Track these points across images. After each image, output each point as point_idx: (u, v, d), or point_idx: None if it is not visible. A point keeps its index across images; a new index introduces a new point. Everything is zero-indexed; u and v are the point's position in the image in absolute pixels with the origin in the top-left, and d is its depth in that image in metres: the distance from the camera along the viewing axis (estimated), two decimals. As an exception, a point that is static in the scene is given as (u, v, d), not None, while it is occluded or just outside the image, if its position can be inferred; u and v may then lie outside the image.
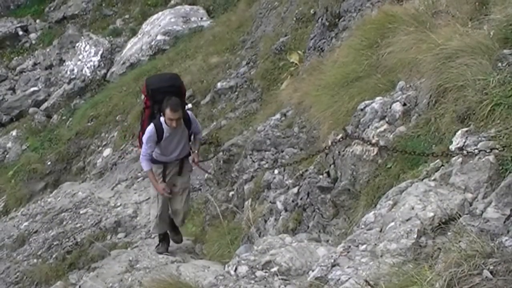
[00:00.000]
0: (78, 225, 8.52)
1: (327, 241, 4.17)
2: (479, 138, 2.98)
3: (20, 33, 15.52)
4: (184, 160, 6.02)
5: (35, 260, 8.21)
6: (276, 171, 6.07)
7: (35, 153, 11.76)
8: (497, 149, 2.78)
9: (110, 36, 14.48)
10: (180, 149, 5.92)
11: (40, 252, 8.31)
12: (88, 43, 14.08)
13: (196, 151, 6.10)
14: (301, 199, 5.03)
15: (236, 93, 9.74)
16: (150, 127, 5.74)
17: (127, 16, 15.20)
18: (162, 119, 5.70)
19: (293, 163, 5.82)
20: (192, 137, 6.07)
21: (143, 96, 6.17)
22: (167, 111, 5.54)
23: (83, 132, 11.61)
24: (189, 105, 6.40)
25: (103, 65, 13.68)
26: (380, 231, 2.77)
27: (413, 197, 2.78)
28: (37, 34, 15.58)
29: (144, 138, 5.78)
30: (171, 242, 6.31)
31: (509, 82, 3.13)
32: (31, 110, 13.54)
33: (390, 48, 4.61)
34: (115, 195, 9.21)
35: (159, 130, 5.72)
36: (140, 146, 6.15)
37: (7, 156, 12.38)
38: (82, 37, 14.37)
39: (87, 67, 13.65)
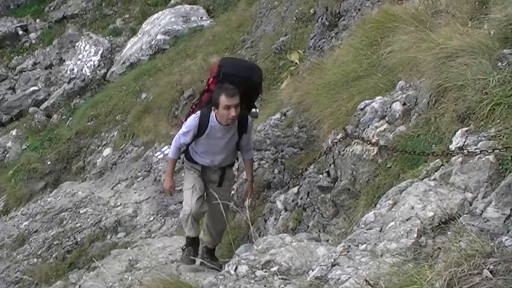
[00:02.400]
0: (78, 224, 8.52)
1: (327, 240, 4.17)
2: (479, 138, 2.98)
3: (20, 32, 15.51)
4: (226, 169, 5.16)
5: (35, 260, 8.21)
6: (276, 171, 6.07)
7: (35, 152, 11.76)
8: (498, 148, 2.78)
9: (110, 36, 14.48)
10: (224, 155, 5.03)
11: (40, 251, 8.31)
12: (88, 43, 14.07)
13: (250, 181, 5.28)
14: (301, 198, 5.04)
15: (236, 92, 9.73)
16: (195, 116, 4.87)
17: (127, 16, 15.19)
18: (212, 113, 4.80)
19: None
20: (242, 156, 5.25)
21: (208, 77, 5.14)
22: (222, 98, 4.63)
23: (83, 131, 11.60)
24: (257, 110, 5.35)
25: (103, 65, 13.68)
26: (380, 230, 2.77)
27: (413, 197, 2.78)
28: (37, 34, 15.57)
29: (185, 124, 4.95)
30: (170, 243, 6.29)
31: (509, 82, 3.13)
32: (31, 109, 13.54)
33: (390, 48, 4.60)
34: (115, 195, 9.21)
35: (202, 122, 4.85)
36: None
37: (7, 155, 12.38)
38: (82, 37, 14.36)
39: (87, 67, 13.65)
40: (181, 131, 4.99)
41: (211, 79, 4.95)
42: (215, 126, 4.84)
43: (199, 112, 4.89)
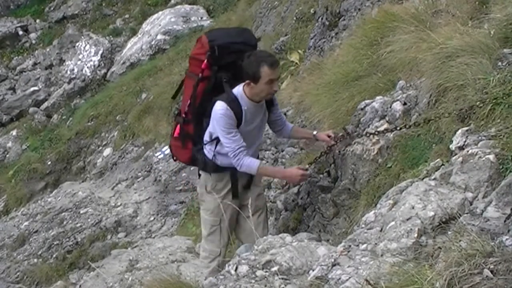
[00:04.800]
0: (78, 224, 8.52)
1: (328, 240, 4.17)
2: (480, 137, 2.98)
3: (20, 33, 15.51)
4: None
5: (35, 260, 8.21)
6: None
7: (35, 152, 11.76)
8: (497, 148, 2.78)
9: (110, 36, 14.48)
10: (257, 145, 4.25)
11: (41, 251, 8.31)
12: (88, 43, 14.07)
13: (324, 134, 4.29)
14: (301, 198, 5.03)
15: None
16: (220, 107, 3.90)
17: (127, 16, 15.19)
18: (237, 90, 3.98)
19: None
20: (283, 133, 4.47)
21: (195, 60, 4.14)
22: (265, 70, 3.82)
23: (83, 131, 11.61)
24: None
25: (103, 65, 13.68)
26: (381, 230, 2.77)
27: (413, 197, 2.77)
28: (37, 34, 15.57)
29: (218, 125, 3.92)
30: (170, 243, 6.28)
31: (509, 81, 3.13)
32: (31, 109, 13.54)
33: (390, 47, 4.60)
34: (115, 195, 9.21)
35: (236, 110, 3.93)
36: (176, 151, 4.37)
37: (7, 156, 12.38)
38: (82, 37, 14.36)
39: (87, 67, 13.65)
40: (225, 138, 3.94)
41: (205, 61, 4.04)
42: (249, 108, 4.01)
43: (219, 102, 3.94)
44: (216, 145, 4.12)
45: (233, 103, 3.97)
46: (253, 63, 3.91)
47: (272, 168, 4.38)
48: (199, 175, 4.42)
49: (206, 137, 4.17)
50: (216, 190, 4.21)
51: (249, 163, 4.02)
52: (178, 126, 4.31)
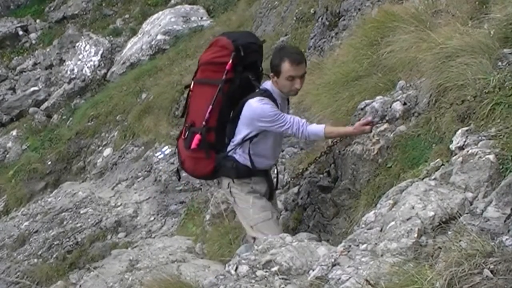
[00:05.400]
0: (79, 224, 8.52)
1: (328, 240, 4.17)
2: (480, 137, 2.98)
3: (20, 33, 15.51)
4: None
5: (35, 260, 8.21)
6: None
7: (35, 153, 11.76)
8: (497, 148, 2.78)
9: (110, 36, 14.48)
10: (280, 148, 4.29)
11: (41, 251, 8.31)
12: (88, 43, 14.07)
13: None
14: (301, 198, 5.03)
15: (237, 92, 9.74)
16: (257, 99, 3.84)
17: (127, 16, 15.19)
18: (268, 85, 3.97)
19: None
20: None
21: (213, 64, 4.02)
22: (286, 66, 3.82)
23: (84, 131, 11.61)
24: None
25: (103, 65, 13.68)
26: (381, 230, 2.77)
27: (413, 197, 2.77)
28: (37, 34, 15.57)
29: (263, 115, 3.83)
30: (170, 243, 6.28)
31: (509, 81, 3.13)
32: (31, 110, 13.55)
33: (390, 47, 4.60)
34: (116, 195, 9.21)
35: (272, 99, 3.92)
36: (193, 165, 4.20)
37: (7, 156, 12.38)
38: (82, 37, 14.37)
39: (87, 67, 13.65)
40: (276, 122, 3.85)
41: (230, 62, 3.93)
42: (280, 101, 3.99)
43: (258, 97, 3.86)
44: (250, 145, 4.04)
45: (268, 96, 3.94)
46: (277, 57, 3.93)
47: (337, 129, 4.08)
48: (228, 186, 4.23)
49: (237, 140, 4.06)
50: (255, 190, 4.16)
51: (315, 131, 3.94)
52: (196, 137, 4.10)
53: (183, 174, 4.69)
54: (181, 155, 4.30)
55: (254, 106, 3.90)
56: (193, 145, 4.12)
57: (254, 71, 4.05)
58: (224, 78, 3.97)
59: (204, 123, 4.08)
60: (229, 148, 4.10)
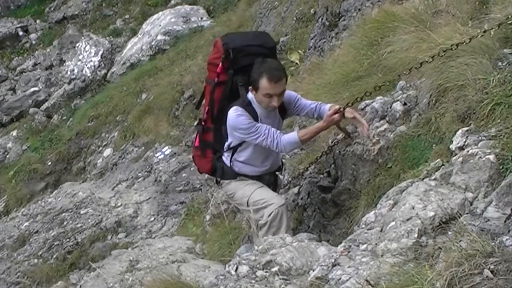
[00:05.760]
0: (79, 225, 8.53)
1: (328, 240, 4.17)
2: (480, 138, 2.98)
3: (20, 33, 15.53)
4: (277, 176, 4.39)
5: (35, 260, 8.22)
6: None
7: (35, 153, 11.78)
8: (498, 148, 2.78)
9: (110, 36, 14.50)
10: (274, 154, 4.14)
11: (41, 252, 8.32)
12: (88, 43, 14.08)
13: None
14: (301, 199, 5.03)
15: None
16: (234, 110, 3.82)
17: (127, 16, 15.20)
18: (250, 96, 3.89)
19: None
20: (318, 115, 4.10)
21: (211, 65, 4.04)
22: (263, 82, 3.73)
23: (84, 132, 11.62)
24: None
25: (104, 65, 13.69)
26: (381, 230, 2.77)
27: (413, 197, 2.77)
28: (37, 35, 15.59)
29: (236, 126, 3.83)
30: (171, 243, 6.28)
31: (509, 82, 3.13)
32: (31, 110, 13.56)
33: (390, 48, 4.60)
34: (116, 195, 9.21)
35: (251, 113, 3.85)
36: (198, 161, 4.26)
37: (7, 156, 12.39)
38: (82, 37, 14.38)
39: (88, 67, 13.66)
40: (250, 133, 3.82)
41: (220, 65, 3.91)
42: (262, 113, 3.89)
43: (235, 108, 3.84)
44: (233, 153, 4.06)
45: (248, 107, 3.88)
46: (256, 71, 3.81)
47: (310, 129, 4.00)
48: (219, 184, 4.29)
49: (227, 144, 4.09)
50: (252, 183, 4.10)
51: (288, 140, 3.88)
52: (198, 135, 4.26)
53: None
54: (193, 145, 4.44)
55: (230, 116, 3.89)
56: (196, 143, 4.26)
57: (247, 74, 3.91)
58: (216, 80, 3.96)
59: (202, 122, 4.17)
60: (224, 150, 4.13)
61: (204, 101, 4.21)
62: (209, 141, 4.19)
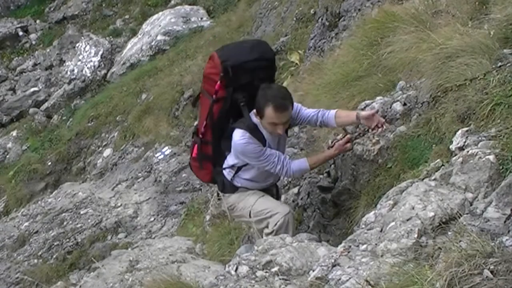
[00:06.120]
0: (79, 225, 8.53)
1: (328, 241, 4.17)
2: (480, 138, 2.98)
3: (20, 33, 15.52)
4: (278, 186, 4.40)
5: (35, 261, 8.22)
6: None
7: (35, 153, 11.77)
8: (497, 148, 2.78)
9: (110, 37, 14.49)
10: None
11: (41, 252, 8.32)
12: (88, 44, 14.08)
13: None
14: (301, 199, 5.03)
15: (237, 93, 9.74)
16: (242, 136, 3.77)
17: (127, 17, 15.20)
18: (254, 119, 3.83)
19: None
20: (324, 122, 4.08)
21: (208, 79, 3.93)
22: (269, 111, 3.67)
23: (84, 132, 11.62)
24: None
25: (103, 66, 13.69)
26: (381, 231, 2.77)
27: (413, 197, 2.77)
28: (37, 35, 15.58)
29: (245, 154, 3.81)
30: (171, 244, 6.28)
31: (509, 82, 3.13)
32: (31, 110, 13.55)
33: (390, 48, 4.60)
34: (116, 196, 9.21)
35: (258, 137, 3.81)
36: (196, 171, 4.27)
37: (7, 156, 12.39)
38: (82, 38, 14.37)
39: (87, 68, 13.66)
40: (259, 161, 3.82)
41: (219, 83, 3.82)
42: (267, 135, 3.86)
43: (240, 131, 3.78)
44: (237, 171, 4.03)
45: (254, 132, 3.81)
46: (261, 99, 3.72)
47: (319, 156, 4.05)
48: (218, 195, 4.31)
49: (227, 162, 4.04)
50: (252, 193, 4.09)
51: (298, 167, 3.93)
52: (195, 146, 4.17)
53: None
54: (190, 155, 4.34)
55: (237, 142, 3.82)
56: (193, 154, 4.21)
57: (250, 92, 3.80)
58: (215, 97, 3.87)
59: (200, 135, 4.11)
60: (224, 166, 4.09)
61: (199, 111, 4.15)
62: (208, 154, 4.13)
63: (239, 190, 4.13)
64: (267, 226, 4.03)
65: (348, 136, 4.03)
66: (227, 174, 4.09)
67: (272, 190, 4.30)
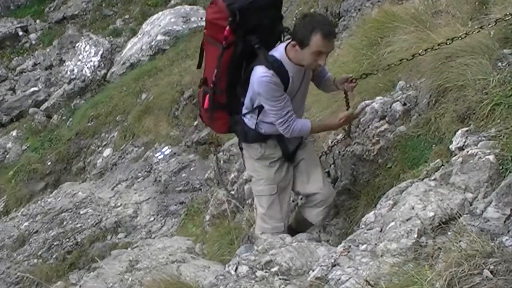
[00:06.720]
0: (78, 225, 8.52)
1: (327, 241, 4.17)
2: (479, 138, 2.98)
3: (20, 33, 15.51)
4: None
5: (35, 260, 8.21)
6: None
7: (35, 153, 11.76)
8: (497, 148, 2.79)
9: (110, 36, 14.48)
10: (300, 113, 3.86)
11: (41, 252, 8.31)
12: (88, 43, 14.07)
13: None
14: (301, 199, 5.03)
15: (237, 92, 9.74)
16: (264, 73, 3.49)
17: (127, 16, 15.19)
18: (279, 53, 3.56)
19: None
20: (323, 86, 4.05)
21: (213, 25, 3.61)
22: (316, 39, 3.37)
23: (83, 132, 11.61)
24: None
25: (103, 65, 13.68)
26: (380, 231, 2.77)
27: (413, 197, 2.78)
28: (37, 35, 15.57)
29: (263, 93, 3.52)
30: (170, 243, 6.26)
31: (509, 82, 3.13)
32: (31, 110, 13.55)
33: (390, 48, 4.60)
34: (115, 195, 9.21)
35: (282, 76, 3.53)
36: (209, 123, 3.97)
37: (7, 156, 12.38)
38: (82, 37, 14.37)
39: (87, 67, 13.65)
40: (271, 105, 3.54)
41: (228, 28, 3.49)
42: (295, 74, 3.60)
43: (260, 68, 3.49)
44: (259, 114, 3.73)
45: (278, 68, 3.52)
46: (307, 27, 3.41)
47: (323, 123, 3.88)
48: (241, 148, 4.02)
49: (247, 105, 3.76)
50: (266, 156, 3.86)
51: (301, 127, 3.66)
52: (207, 97, 3.83)
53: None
54: (200, 106, 4.01)
55: (256, 79, 3.55)
56: (205, 105, 3.89)
57: (261, 33, 3.56)
58: (225, 43, 3.57)
59: (212, 85, 3.78)
60: (243, 111, 3.81)
61: (206, 60, 3.82)
62: (222, 103, 3.83)
63: (255, 155, 3.88)
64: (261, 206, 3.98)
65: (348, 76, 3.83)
66: (249, 121, 3.81)
67: (293, 144, 3.94)
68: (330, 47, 3.52)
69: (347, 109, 3.98)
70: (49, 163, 11.24)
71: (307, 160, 3.93)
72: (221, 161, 7.57)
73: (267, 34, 3.63)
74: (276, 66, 3.52)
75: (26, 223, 9.06)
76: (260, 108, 3.71)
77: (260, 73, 3.52)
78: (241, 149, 4.07)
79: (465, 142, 3.04)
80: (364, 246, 2.71)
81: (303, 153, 3.98)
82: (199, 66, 3.98)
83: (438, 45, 3.65)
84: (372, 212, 3.04)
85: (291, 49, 3.56)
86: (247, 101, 3.77)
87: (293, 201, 5.17)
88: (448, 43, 3.61)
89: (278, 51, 3.61)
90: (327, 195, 3.94)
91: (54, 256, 8.13)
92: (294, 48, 3.54)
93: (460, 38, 3.55)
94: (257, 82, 3.54)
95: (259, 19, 3.55)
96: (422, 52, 3.71)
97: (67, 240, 8.31)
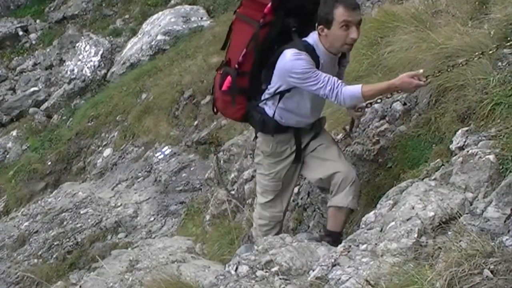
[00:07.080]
0: (79, 225, 8.53)
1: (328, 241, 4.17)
2: (480, 138, 2.99)
3: (20, 33, 15.51)
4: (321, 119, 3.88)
5: (35, 260, 8.21)
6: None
7: (35, 153, 11.76)
8: (497, 148, 2.79)
9: (110, 36, 14.48)
10: (323, 103, 3.77)
11: (41, 252, 8.32)
12: (88, 43, 14.07)
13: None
14: (301, 198, 5.03)
15: (237, 92, 9.73)
16: (294, 52, 3.37)
17: (127, 16, 15.19)
18: (312, 39, 3.45)
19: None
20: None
21: (252, 2, 3.56)
22: (339, 11, 3.28)
23: (84, 132, 11.61)
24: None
25: (103, 65, 13.68)
26: (381, 230, 2.77)
27: (413, 197, 2.78)
28: (37, 34, 15.57)
29: (294, 70, 3.36)
30: (171, 243, 6.26)
31: (509, 82, 3.13)
32: (31, 110, 13.55)
33: (390, 47, 4.60)
34: (116, 195, 9.21)
35: (312, 58, 3.40)
36: (224, 107, 3.81)
37: (7, 156, 12.38)
38: (82, 37, 14.37)
39: (87, 67, 13.65)
40: (308, 80, 3.34)
41: (269, 5, 3.40)
42: (325, 62, 3.46)
43: (293, 49, 3.37)
44: (280, 100, 3.59)
45: (311, 53, 3.40)
46: (327, 3, 3.34)
47: (376, 85, 3.47)
48: (256, 137, 3.90)
49: (269, 91, 3.62)
50: (276, 153, 3.77)
51: (351, 92, 3.38)
52: (228, 78, 3.68)
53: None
54: (215, 91, 3.87)
55: (287, 59, 3.39)
56: (224, 87, 3.73)
57: (300, 17, 3.48)
58: (262, 22, 3.46)
59: (236, 65, 3.65)
60: (262, 97, 3.67)
61: (232, 39, 3.74)
62: (244, 87, 3.69)
63: (266, 149, 3.78)
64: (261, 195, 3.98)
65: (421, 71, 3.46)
66: (269, 108, 3.67)
67: (309, 133, 3.83)
68: (357, 16, 3.35)
69: (349, 135, 4.09)
70: (49, 163, 11.24)
71: (324, 145, 3.80)
72: (221, 161, 7.57)
73: (305, 18, 3.51)
74: (308, 50, 3.41)
75: (26, 223, 9.06)
76: (282, 94, 3.57)
77: (291, 54, 3.39)
78: (255, 137, 3.93)
79: (465, 141, 3.04)
80: (364, 246, 2.71)
81: (320, 140, 3.83)
82: (223, 47, 3.84)
83: (452, 67, 3.40)
84: (372, 212, 3.04)
85: (321, 36, 3.43)
86: (270, 86, 3.63)
87: (293, 201, 5.18)
88: (463, 65, 3.37)
89: (311, 38, 3.49)
90: (347, 172, 3.68)
91: (54, 256, 8.13)
92: (323, 33, 3.42)
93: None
94: (290, 62, 3.39)
95: (301, 1, 3.48)
96: (435, 74, 3.48)
97: (67, 240, 8.31)
